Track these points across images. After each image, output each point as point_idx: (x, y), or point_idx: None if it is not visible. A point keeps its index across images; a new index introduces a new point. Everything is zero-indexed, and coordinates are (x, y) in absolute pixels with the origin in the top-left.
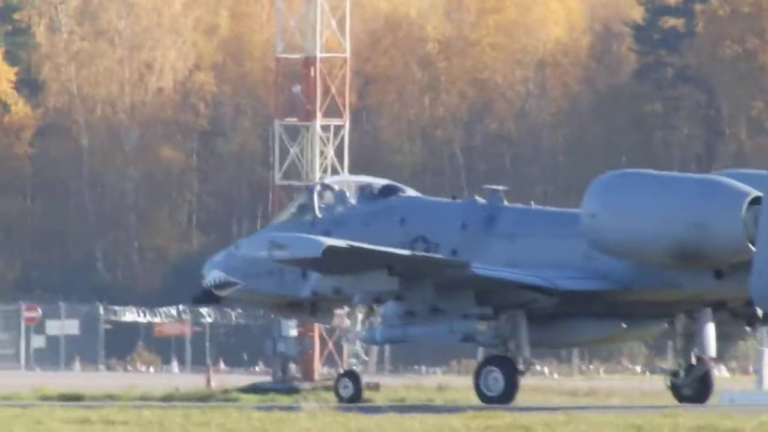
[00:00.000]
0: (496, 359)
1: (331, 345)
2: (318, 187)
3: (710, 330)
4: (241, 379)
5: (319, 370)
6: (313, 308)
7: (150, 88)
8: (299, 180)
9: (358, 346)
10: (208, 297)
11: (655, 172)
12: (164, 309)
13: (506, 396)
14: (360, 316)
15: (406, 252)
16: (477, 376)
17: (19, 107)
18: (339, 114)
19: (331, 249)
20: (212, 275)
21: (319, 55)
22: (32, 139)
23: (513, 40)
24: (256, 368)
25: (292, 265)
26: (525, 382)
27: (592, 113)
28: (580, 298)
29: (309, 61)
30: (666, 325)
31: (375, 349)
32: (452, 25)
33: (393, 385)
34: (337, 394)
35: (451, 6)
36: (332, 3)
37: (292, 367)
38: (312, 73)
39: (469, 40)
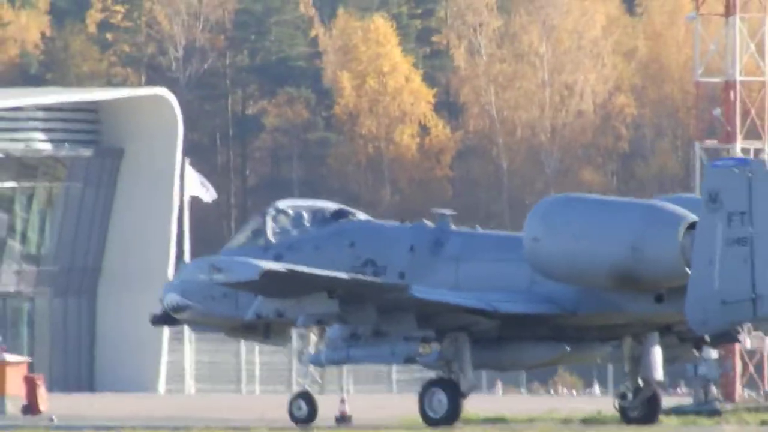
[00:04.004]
0: (440, 381)
1: (751, 367)
2: (271, 211)
3: (656, 353)
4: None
5: (741, 391)
6: (267, 330)
7: (570, 110)
8: None
9: (311, 367)
10: (166, 319)
11: (596, 196)
12: None
13: (450, 418)
14: (313, 337)
15: (344, 275)
16: (421, 398)
17: (439, 130)
18: (759, 136)
19: (269, 272)
20: (168, 298)
21: (738, 78)
22: (452, 162)
23: None
24: (678, 390)
25: (233, 288)
26: None
27: None
28: (522, 322)
29: (729, 85)
30: (611, 348)
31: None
32: None
33: None
34: (292, 416)
35: None
36: (751, 27)
37: (714, 390)
38: (732, 97)
39: None
